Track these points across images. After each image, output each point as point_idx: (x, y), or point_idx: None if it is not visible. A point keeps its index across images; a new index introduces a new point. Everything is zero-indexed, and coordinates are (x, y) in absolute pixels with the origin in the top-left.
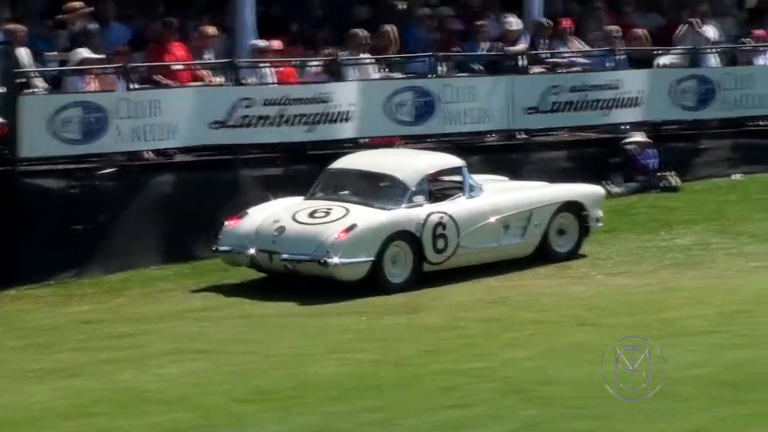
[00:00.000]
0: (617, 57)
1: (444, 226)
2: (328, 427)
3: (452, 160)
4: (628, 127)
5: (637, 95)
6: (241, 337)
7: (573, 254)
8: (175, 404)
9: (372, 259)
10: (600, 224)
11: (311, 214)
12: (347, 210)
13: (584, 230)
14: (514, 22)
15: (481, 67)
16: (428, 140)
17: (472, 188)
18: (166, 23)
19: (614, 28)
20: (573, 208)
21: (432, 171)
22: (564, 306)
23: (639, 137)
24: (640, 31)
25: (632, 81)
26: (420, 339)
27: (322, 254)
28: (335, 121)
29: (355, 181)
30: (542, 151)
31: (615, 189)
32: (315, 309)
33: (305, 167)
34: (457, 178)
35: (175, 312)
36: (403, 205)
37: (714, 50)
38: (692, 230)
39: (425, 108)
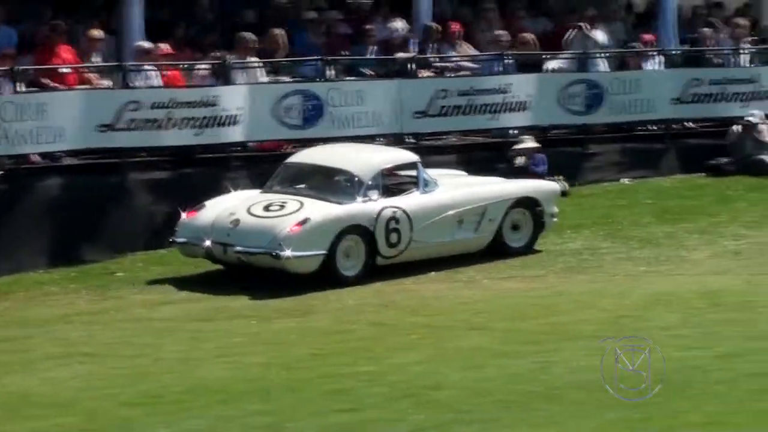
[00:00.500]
0: (506, 61)
1: (397, 221)
2: (216, 431)
3: (407, 156)
4: (515, 131)
5: (526, 99)
6: (129, 340)
7: (528, 249)
8: (62, 408)
9: (324, 252)
10: (555, 219)
11: (266, 208)
12: (301, 203)
13: (539, 226)
14: (402, 27)
15: (372, 72)
16: (317, 144)
17: (426, 183)
18: (54, 26)
19: (503, 32)
20: (528, 203)
21: (386, 166)
22: (454, 310)
23: (528, 143)
24: (529, 36)
25: (521, 85)
26: (309, 342)
27: (274, 247)
28: (223, 125)
29: (311, 175)
30: (431, 155)
31: None
32: (204, 312)
33: (193, 171)
34: (413, 173)
35: (61, 315)
36: (358, 200)
37: (603, 55)
38: (581, 234)
39: (314, 112)
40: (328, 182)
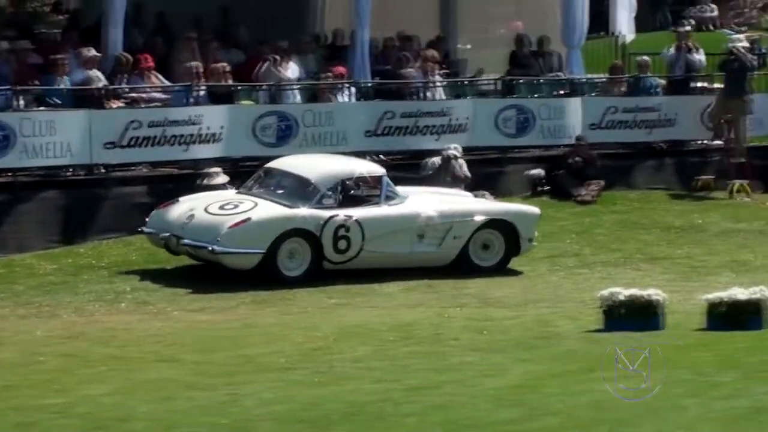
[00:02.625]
0: (197, 92)
1: (347, 229)
2: None
3: (373, 169)
4: (207, 163)
5: (218, 131)
6: None
7: (498, 269)
8: None
9: (262, 251)
10: (533, 243)
11: (222, 206)
12: (255, 204)
13: (513, 248)
14: (94, 56)
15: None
16: (6, 174)
17: (390, 196)
18: None
19: (196, 63)
20: (501, 225)
21: (346, 177)
22: (143, 342)
23: (218, 177)
24: (221, 67)
25: (213, 117)
26: None
27: (212, 242)
28: None
29: (279, 180)
30: (122, 186)
31: None
32: None
33: None
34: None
35: None
36: (310, 205)
37: (295, 87)
38: None
39: (3, 142)
40: (290, 187)
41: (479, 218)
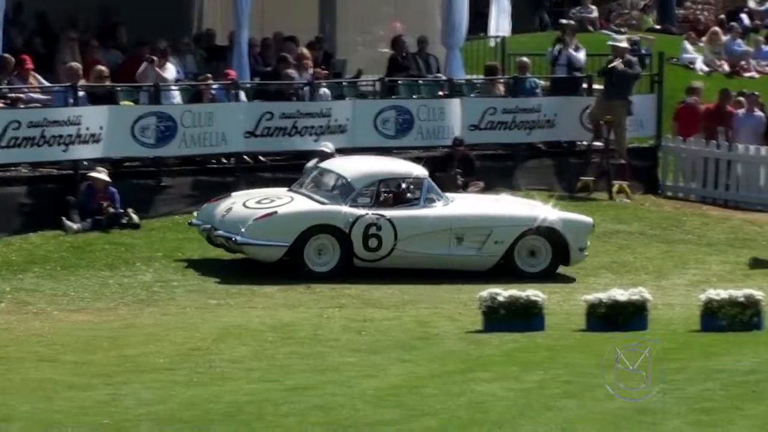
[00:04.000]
0: (78, 93)
1: (379, 227)
2: None
3: (415, 171)
4: (85, 163)
5: (98, 132)
6: None
7: (546, 277)
8: None
9: (287, 244)
10: (585, 253)
11: (259, 201)
12: (291, 199)
13: (561, 257)
14: None
15: None
16: None
17: (429, 198)
18: None
19: (76, 64)
20: (548, 233)
21: (385, 177)
22: (24, 342)
23: (101, 174)
24: (102, 67)
25: (93, 117)
26: None
27: (238, 233)
28: None
29: (324, 178)
30: (2, 187)
31: (73, 226)
32: None
33: None
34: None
35: None
36: (345, 204)
37: (178, 88)
38: (152, 267)
39: None
40: (331, 185)
41: (521, 225)
